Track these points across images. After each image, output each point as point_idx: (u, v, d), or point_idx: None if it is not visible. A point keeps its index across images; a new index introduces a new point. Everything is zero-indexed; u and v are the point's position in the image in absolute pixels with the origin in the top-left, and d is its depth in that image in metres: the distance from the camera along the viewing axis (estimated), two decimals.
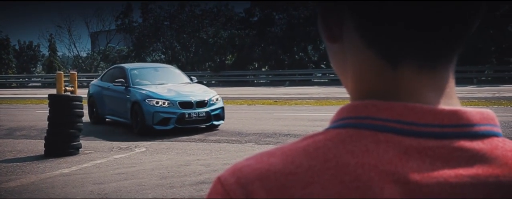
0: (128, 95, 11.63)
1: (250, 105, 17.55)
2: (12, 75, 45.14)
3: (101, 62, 48.75)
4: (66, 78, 9.91)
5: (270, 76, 35.37)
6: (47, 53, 49.88)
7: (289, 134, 10.45)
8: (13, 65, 48.23)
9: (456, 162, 0.54)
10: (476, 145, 0.55)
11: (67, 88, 9.22)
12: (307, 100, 18.68)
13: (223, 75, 35.36)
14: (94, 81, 14.07)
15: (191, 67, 38.06)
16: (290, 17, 35.67)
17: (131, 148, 9.46)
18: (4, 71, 46.21)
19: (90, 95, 13.42)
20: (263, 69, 37.70)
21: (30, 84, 41.66)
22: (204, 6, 39.97)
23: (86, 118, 12.77)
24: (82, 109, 9.17)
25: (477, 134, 0.55)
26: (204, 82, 22.21)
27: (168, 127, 10.80)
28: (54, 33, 52.31)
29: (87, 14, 73.23)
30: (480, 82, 26.66)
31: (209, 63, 38.44)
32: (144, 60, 39.01)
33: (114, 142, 10.18)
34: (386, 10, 0.55)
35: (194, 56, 39.18)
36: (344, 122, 0.57)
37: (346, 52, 0.60)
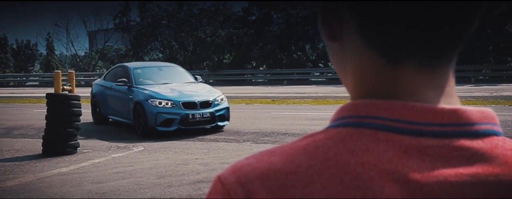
0: (131, 95, 11.37)
1: (248, 104, 17.55)
2: (9, 74, 45.10)
3: (99, 61, 48.71)
4: (64, 78, 9.90)
5: (268, 75, 35.41)
6: (45, 52, 49.83)
7: (287, 133, 10.45)
8: (11, 64, 48.17)
9: (456, 161, 0.54)
10: (476, 144, 0.55)
11: (65, 87, 9.22)
12: (305, 99, 18.69)
13: (221, 74, 35.37)
14: (97, 80, 13.78)
15: (189, 66, 37.99)
16: (288, 16, 35.68)
17: (129, 147, 9.46)
18: (2, 70, 46.16)
19: (93, 95, 13.20)
20: (261, 68, 37.73)
21: (28, 84, 41.63)
22: (202, 5, 39.99)
23: (89, 118, 12.79)
24: (80, 107, 9.16)
25: (477, 133, 0.55)
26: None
27: (171, 128, 10.54)
28: (52, 32, 52.33)
29: (85, 13, 73.23)
30: (478, 82, 26.72)
31: (207, 62, 38.44)
32: (142, 59, 39.00)
33: (112, 141, 10.17)
34: (387, 10, 0.55)
35: (192, 55, 39.18)
36: (344, 121, 0.57)
37: (346, 51, 0.60)
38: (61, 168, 7.82)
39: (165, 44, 41.36)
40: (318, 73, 35.25)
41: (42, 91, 16.97)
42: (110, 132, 11.50)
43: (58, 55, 52.05)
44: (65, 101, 8.97)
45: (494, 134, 0.57)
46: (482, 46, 29.04)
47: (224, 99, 11.28)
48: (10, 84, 41.40)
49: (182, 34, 39.81)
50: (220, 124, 10.93)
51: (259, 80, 35.49)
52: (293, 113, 14.21)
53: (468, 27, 0.57)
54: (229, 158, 8.09)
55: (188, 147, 9.25)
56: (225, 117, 11.08)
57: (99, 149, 9.40)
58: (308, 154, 0.55)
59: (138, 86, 11.52)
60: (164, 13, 41.03)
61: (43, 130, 9.14)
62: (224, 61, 38.37)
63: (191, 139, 10.03)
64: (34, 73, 48.81)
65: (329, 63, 35.10)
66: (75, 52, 51.50)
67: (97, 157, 8.58)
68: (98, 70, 47.20)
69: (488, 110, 0.58)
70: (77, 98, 9.15)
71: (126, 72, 12.12)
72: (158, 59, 39.46)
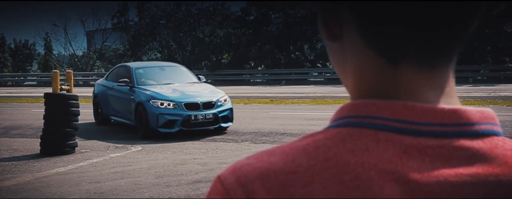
0: (132, 96, 11.16)
1: (246, 103, 17.54)
2: (7, 74, 45.03)
3: (97, 61, 48.65)
4: (62, 77, 9.89)
5: (266, 75, 35.41)
6: (42, 52, 49.74)
7: (285, 133, 10.45)
8: (9, 64, 48.09)
9: (456, 161, 0.54)
10: (476, 144, 0.55)
11: (63, 87, 9.21)
12: (303, 99, 18.70)
13: (219, 74, 35.36)
14: (99, 80, 13.56)
15: (187, 66, 37.86)
16: (287, 16, 35.69)
17: (127, 147, 9.45)
18: (0, 70, 46.08)
19: (95, 95, 13.05)
20: (259, 68, 37.73)
21: (26, 83, 41.59)
22: (200, 5, 39.95)
23: (88, 118, 12.78)
24: (78, 107, 9.15)
25: (477, 133, 0.55)
26: None
27: (173, 130, 10.31)
28: (50, 32, 52.11)
29: (83, 13, 73.11)
30: (476, 82, 26.75)
31: (205, 62, 38.42)
32: (140, 59, 38.98)
33: (110, 141, 10.16)
34: (385, 10, 0.55)
35: (190, 55, 39.15)
36: (344, 120, 0.57)
37: (346, 51, 0.60)
38: (59, 167, 7.81)
39: (163, 44, 41.33)
40: (316, 73, 35.27)
41: (40, 91, 16.91)
42: (108, 132, 11.49)
43: (56, 55, 51.99)
44: (63, 100, 8.96)
45: (494, 134, 0.57)
46: (480, 47, 29.07)
47: (227, 100, 11.03)
48: (8, 84, 41.35)
49: (181, 34, 39.78)
50: (223, 125, 10.69)
51: (257, 80, 35.49)
52: (291, 113, 14.21)
53: (467, 27, 0.57)
54: (228, 158, 8.09)
55: (187, 147, 9.24)
56: (229, 118, 10.84)
57: (97, 148, 9.40)
58: (308, 154, 0.55)
59: (139, 86, 11.33)
60: (162, 13, 41.01)
61: (41, 129, 9.13)
62: (223, 61, 38.36)
63: (189, 139, 10.02)
64: (32, 73, 48.68)
65: (328, 63, 35.19)
66: (73, 52, 51.47)
67: (95, 157, 8.58)
68: (96, 70, 47.13)
69: (488, 110, 0.58)
70: (75, 98, 9.14)
71: (128, 72, 11.94)
72: (156, 59, 39.46)
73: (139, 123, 10.72)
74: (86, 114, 12.04)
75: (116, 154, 8.79)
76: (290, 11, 35.47)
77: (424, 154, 0.54)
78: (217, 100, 10.74)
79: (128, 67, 12.34)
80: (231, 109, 10.93)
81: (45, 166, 7.92)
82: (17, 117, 14.69)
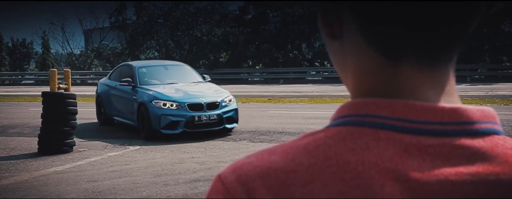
0: (135, 96, 10.86)
1: (244, 102, 17.54)
2: (5, 72, 44.93)
3: (94, 60, 48.60)
4: (60, 76, 9.88)
5: (264, 74, 35.42)
6: (40, 51, 49.66)
7: (283, 132, 10.46)
8: (6, 62, 48.03)
9: (457, 160, 0.54)
10: (477, 143, 0.55)
11: (61, 85, 9.19)
12: (301, 98, 18.70)
13: (217, 73, 35.31)
14: (102, 80, 13.26)
15: None
16: (284, 15, 35.69)
17: (125, 146, 9.45)
18: None
19: (97, 95, 12.78)
20: (257, 67, 37.72)
21: (23, 82, 41.52)
22: (198, 4, 39.91)
23: (88, 118, 12.76)
24: (76, 106, 9.14)
25: (477, 132, 0.56)
26: None
27: (177, 131, 10.00)
28: (47, 31, 51.95)
29: (80, 12, 72.94)
30: (474, 81, 26.78)
31: (203, 61, 38.39)
32: (138, 58, 38.93)
33: (108, 140, 10.15)
34: (385, 10, 0.55)
35: (188, 54, 39.11)
36: (345, 119, 0.57)
37: (346, 50, 0.61)
38: (57, 166, 7.80)
39: (161, 43, 41.29)
40: (314, 72, 35.27)
41: (38, 90, 16.90)
42: (106, 131, 11.49)
43: (54, 54, 51.88)
44: (61, 99, 8.95)
45: (494, 132, 0.57)
46: (478, 45, 29.11)
47: (232, 100, 10.72)
48: (6, 82, 41.26)
49: (178, 33, 39.75)
50: (228, 126, 10.36)
51: (255, 79, 35.49)
52: (289, 111, 14.21)
53: (467, 27, 0.57)
54: (226, 157, 8.09)
55: (184, 146, 9.24)
56: (234, 118, 10.53)
57: (95, 147, 9.39)
58: (308, 152, 0.55)
59: (142, 86, 11.04)
60: (160, 12, 40.96)
61: (39, 128, 9.12)
62: (220, 60, 38.35)
63: (187, 138, 10.01)
64: (29, 71, 48.62)
65: (325, 62, 35.19)
66: (70, 50, 51.35)
67: (93, 156, 8.57)
68: (93, 69, 47.10)
69: (489, 109, 0.58)
70: (73, 97, 9.13)
71: (131, 71, 11.66)
72: (154, 58, 39.39)
73: (142, 124, 10.43)
74: (83, 112, 12.02)
75: (114, 153, 8.78)
76: (288, 10, 35.47)
77: (425, 152, 0.54)
78: (221, 100, 10.44)
79: (131, 66, 12.03)
80: (236, 110, 10.61)
81: (43, 165, 7.92)
82: (15, 116, 14.67)
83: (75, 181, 6.76)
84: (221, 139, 9.89)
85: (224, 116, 10.28)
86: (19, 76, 43.64)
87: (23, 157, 8.67)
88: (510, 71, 29.67)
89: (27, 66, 52.03)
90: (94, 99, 13.27)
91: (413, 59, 0.57)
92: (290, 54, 36.10)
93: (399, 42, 0.56)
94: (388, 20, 0.55)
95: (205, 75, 12.32)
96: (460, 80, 25.41)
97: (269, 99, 18.72)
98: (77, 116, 9.18)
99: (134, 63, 12.59)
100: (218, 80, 33.58)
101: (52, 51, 50.16)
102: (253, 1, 36.38)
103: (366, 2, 0.56)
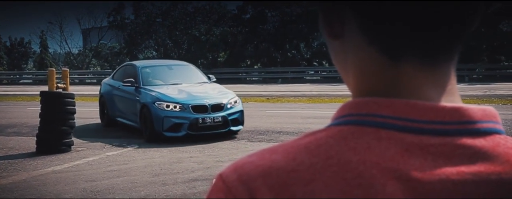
0: (138, 97, 10.48)
1: (242, 102, 17.53)
2: (3, 72, 44.85)
3: (93, 59, 48.55)
4: (58, 75, 9.87)
5: (262, 73, 35.40)
6: (38, 50, 49.57)
7: (282, 131, 10.46)
8: (4, 62, 47.94)
9: (458, 159, 0.54)
10: (478, 142, 0.55)
11: (59, 85, 9.19)
12: (299, 97, 18.70)
13: (216, 73, 35.13)
14: (106, 79, 12.89)
15: None
16: (283, 14, 35.68)
17: (123, 145, 9.44)
18: None
19: (101, 95, 12.49)
20: (255, 67, 37.69)
21: (21, 81, 41.45)
22: (196, 4, 39.90)
23: (89, 118, 12.74)
24: (74, 105, 9.13)
25: (479, 131, 0.56)
26: None
27: (180, 134, 9.64)
28: (45, 30, 51.73)
29: (79, 11, 72.88)
30: (472, 80, 26.80)
31: (202, 60, 38.36)
32: (136, 58, 38.92)
33: (106, 139, 10.14)
34: (385, 10, 0.55)
35: (186, 54, 39.08)
36: (346, 118, 0.57)
37: (347, 49, 0.61)
38: (55, 166, 7.80)
39: (159, 42, 41.26)
40: (312, 72, 35.26)
41: (36, 89, 16.90)
42: (105, 131, 11.48)
43: (52, 53, 51.82)
44: (59, 98, 8.94)
45: (496, 132, 0.57)
46: (476, 45, 29.13)
47: (237, 101, 10.38)
48: (4, 82, 41.17)
49: (177, 33, 39.73)
50: (233, 128, 9.96)
51: (253, 78, 35.47)
52: (287, 111, 14.22)
53: (466, 27, 0.57)
54: (224, 156, 8.09)
55: (183, 145, 9.23)
56: (239, 121, 10.13)
57: (93, 147, 9.38)
58: (309, 152, 0.55)
59: (145, 87, 10.66)
60: (158, 11, 40.93)
61: (37, 127, 9.11)
62: (219, 59, 38.33)
63: (186, 137, 10.00)
64: (27, 71, 48.54)
65: (324, 62, 35.20)
66: (69, 50, 51.32)
67: (92, 155, 8.56)
68: (92, 68, 47.04)
69: (490, 108, 0.58)
70: (72, 96, 9.12)
71: (134, 72, 11.28)
72: (152, 58, 39.36)
73: (144, 126, 10.07)
74: (82, 112, 12.00)
75: (112, 153, 8.78)
76: (286, 10, 35.45)
77: (426, 152, 0.54)
78: (226, 102, 10.08)
79: (134, 66, 11.66)
80: (241, 111, 10.25)
81: (41, 165, 7.91)
82: (13, 115, 14.65)
83: (73, 181, 6.75)
84: (219, 138, 9.88)
85: (229, 118, 9.93)
86: (17, 76, 43.56)
87: (21, 156, 8.66)
88: (508, 71, 29.69)
89: (25, 65, 51.94)
90: (92, 98, 13.25)
91: (414, 58, 0.57)
92: (289, 53, 36.09)
93: (399, 41, 0.56)
94: (388, 19, 0.55)
95: (210, 76, 11.98)
96: (458, 80, 24.67)
97: (268, 99, 18.71)
98: (75, 115, 9.17)
99: (138, 63, 12.21)
100: (216, 79, 33.63)
101: (50, 50, 50.13)
102: (252, 0, 36.36)
103: (367, 1, 0.56)
